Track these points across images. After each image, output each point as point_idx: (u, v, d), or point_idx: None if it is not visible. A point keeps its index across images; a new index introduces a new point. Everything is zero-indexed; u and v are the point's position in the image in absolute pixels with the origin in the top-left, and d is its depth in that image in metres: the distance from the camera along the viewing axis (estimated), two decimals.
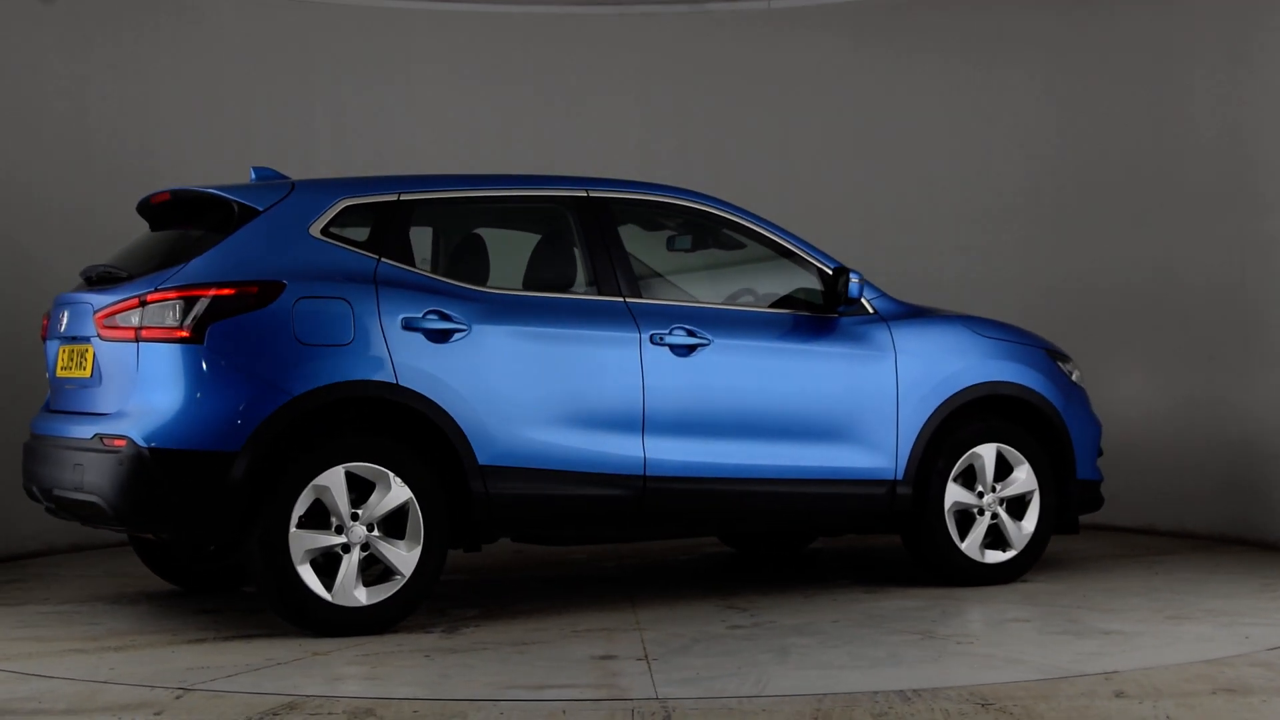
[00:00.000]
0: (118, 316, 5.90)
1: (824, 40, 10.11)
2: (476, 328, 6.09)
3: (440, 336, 6.03)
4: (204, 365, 5.72)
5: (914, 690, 4.83)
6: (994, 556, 7.01)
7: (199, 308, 5.75)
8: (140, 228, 6.80)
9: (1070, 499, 7.25)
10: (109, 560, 8.14)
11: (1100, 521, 8.39)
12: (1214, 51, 9.02)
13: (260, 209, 6.07)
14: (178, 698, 4.84)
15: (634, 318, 6.42)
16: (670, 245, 7.18)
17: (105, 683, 5.07)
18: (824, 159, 10.10)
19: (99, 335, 5.99)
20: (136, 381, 5.83)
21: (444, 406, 5.96)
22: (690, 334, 6.47)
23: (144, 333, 5.80)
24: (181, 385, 5.72)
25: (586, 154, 9.81)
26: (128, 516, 5.81)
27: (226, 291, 5.78)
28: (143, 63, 9.20)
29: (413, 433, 6.03)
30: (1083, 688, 4.88)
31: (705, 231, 7.10)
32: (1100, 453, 7.51)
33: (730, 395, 6.55)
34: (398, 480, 5.89)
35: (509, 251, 6.80)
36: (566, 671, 5.26)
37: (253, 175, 6.53)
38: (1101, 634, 5.86)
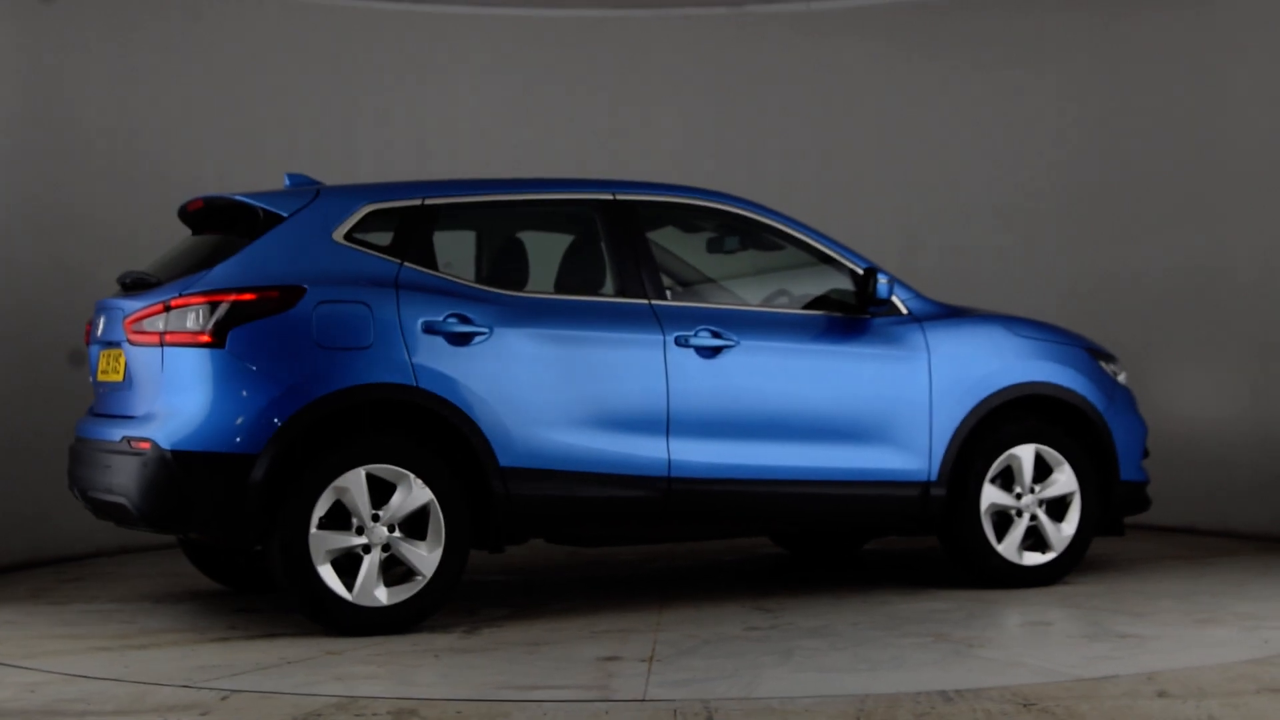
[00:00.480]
0: (144, 322, 6.03)
1: (863, 41, 10.10)
2: (498, 331, 6.15)
3: (461, 339, 6.09)
4: (225, 369, 5.83)
5: (956, 691, 4.82)
6: (1032, 559, 6.95)
7: (220, 312, 5.86)
8: (184, 234, 6.90)
9: (1113, 501, 7.16)
10: (168, 560, 8.26)
11: (1142, 521, 8.31)
12: (1254, 48, 8.98)
13: (285, 215, 6.17)
14: (224, 699, 4.88)
15: (658, 320, 6.44)
16: (711, 248, 7.19)
17: (154, 684, 5.12)
18: (863, 159, 10.09)
19: (128, 340, 6.11)
20: (161, 385, 5.95)
21: (464, 409, 6.03)
22: (715, 335, 6.47)
23: (168, 337, 5.93)
24: (203, 389, 5.84)
25: (625, 157, 9.85)
26: (151, 518, 5.91)
27: (247, 296, 5.89)
28: (184, 70, 9.27)
29: (433, 435, 6.09)
30: (1125, 687, 4.86)
31: (733, 233, 7.12)
32: (1146, 454, 7.42)
33: (757, 397, 6.54)
34: (418, 482, 5.95)
35: (539, 255, 6.84)
36: (565, 672, 5.29)
37: (286, 181, 6.64)
38: (1116, 637, 5.77)
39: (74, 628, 6.35)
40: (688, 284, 7.14)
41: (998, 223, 9.85)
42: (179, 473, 5.77)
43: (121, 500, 5.98)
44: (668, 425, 6.37)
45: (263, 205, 6.25)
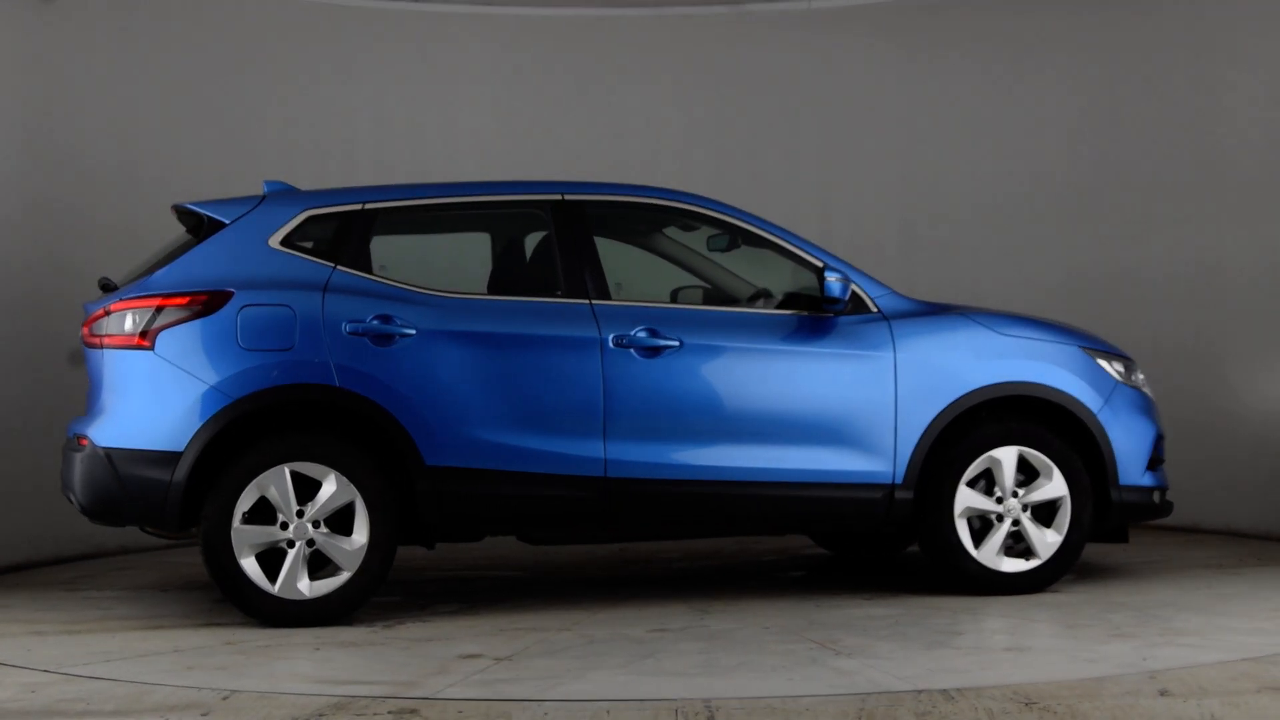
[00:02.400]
0: (94, 324, 6.34)
1: (864, 40, 10.11)
2: (424, 331, 6.27)
3: (384, 340, 6.24)
4: (154, 370, 6.14)
5: (957, 689, 4.81)
6: (1012, 565, 6.70)
7: (151, 316, 6.18)
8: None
9: (1112, 507, 6.84)
10: (167, 559, 8.33)
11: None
12: (1255, 47, 8.98)
13: (227, 221, 6.45)
14: (224, 698, 4.88)
15: (597, 320, 6.42)
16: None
17: (154, 684, 5.12)
18: (863, 157, 10.09)
19: (83, 342, 6.46)
20: (103, 385, 6.27)
21: (387, 408, 6.18)
22: (655, 335, 6.43)
23: (108, 340, 6.25)
24: (135, 389, 6.18)
25: (625, 155, 9.85)
26: (90, 511, 6.26)
27: (175, 301, 6.20)
28: (184, 70, 9.28)
29: (360, 434, 6.24)
30: (1127, 686, 4.86)
31: (692, 232, 7.07)
32: (1159, 459, 7.09)
33: (702, 397, 6.48)
34: (342, 479, 6.14)
35: (487, 257, 6.94)
36: (402, 668, 5.35)
37: (265, 188, 6.77)
38: (1042, 651, 5.60)
39: (74, 627, 6.35)
40: (645, 283, 7.06)
41: (999, 221, 9.84)
42: (111, 469, 6.09)
43: (70, 494, 6.37)
44: (604, 425, 6.36)
45: (208, 212, 6.52)
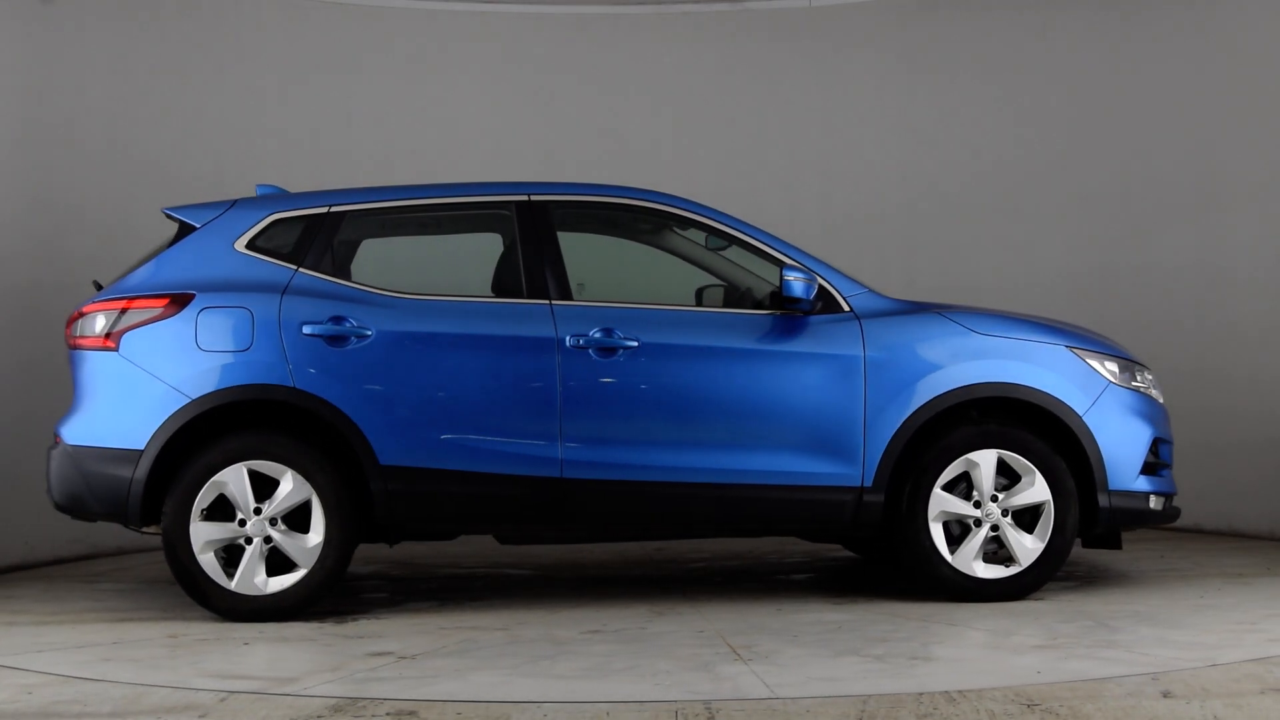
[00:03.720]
0: (72, 326, 6.54)
1: (864, 38, 10.10)
2: (380, 332, 6.37)
3: (339, 341, 6.36)
4: (118, 370, 6.35)
5: (959, 691, 4.79)
6: (989, 571, 6.52)
7: (116, 318, 6.39)
8: None
9: (1101, 512, 6.61)
10: (165, 560, 8.28)
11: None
12: (1256, 46, 8.97)
13: (198, 225, 6.63)
14: (222, 700, 4.86)
15: (555, 321, 6.44)
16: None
17: (151, 685, 5.10)
18: (864, 155, 10.08)
19: (66, 343, 6.63)
20: (77, 385, 6.49)
21: (341, 408, 6.30)
22: (612, 335, 6.42)
23: (80, 341, 6.47)
24: (101, 388, 6.40)
25: (624, 153, 9.84)
26: (61, 505, 6.48)
27: (140, 303, 6.42)
28: (183, 69, 9.28)
29: (317, 433, 6.38)
30: (1130, 688, 4.84)
31: (660, 231, 7.05)
32: (1163, 464, 6.85)
33: (659, 397, 6.44)
34: (298, 478, 6.29)
35: (462, 258, 7.04)
36: (310, 663, 5.48)
37: (257, 191, 6.94)
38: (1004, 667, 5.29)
39: (72, 628, 6.36)
40: (613, 284, 7.06)
41: (999, 220, 9.83)
42: (77, 465, 6.33)
43: (48, 489, 6.53)
44: (560, 426, 6.38)
45: (182, 216, 6.70)
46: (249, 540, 6.30)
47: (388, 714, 4.64)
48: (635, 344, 6.44)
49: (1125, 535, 7.32)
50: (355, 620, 6.39)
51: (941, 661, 5.37)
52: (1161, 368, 8.41)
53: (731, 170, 10.09)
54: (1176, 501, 7.04)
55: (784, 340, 6.53)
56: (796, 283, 6.43)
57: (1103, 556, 7.99)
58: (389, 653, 5.61)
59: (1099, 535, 6.82)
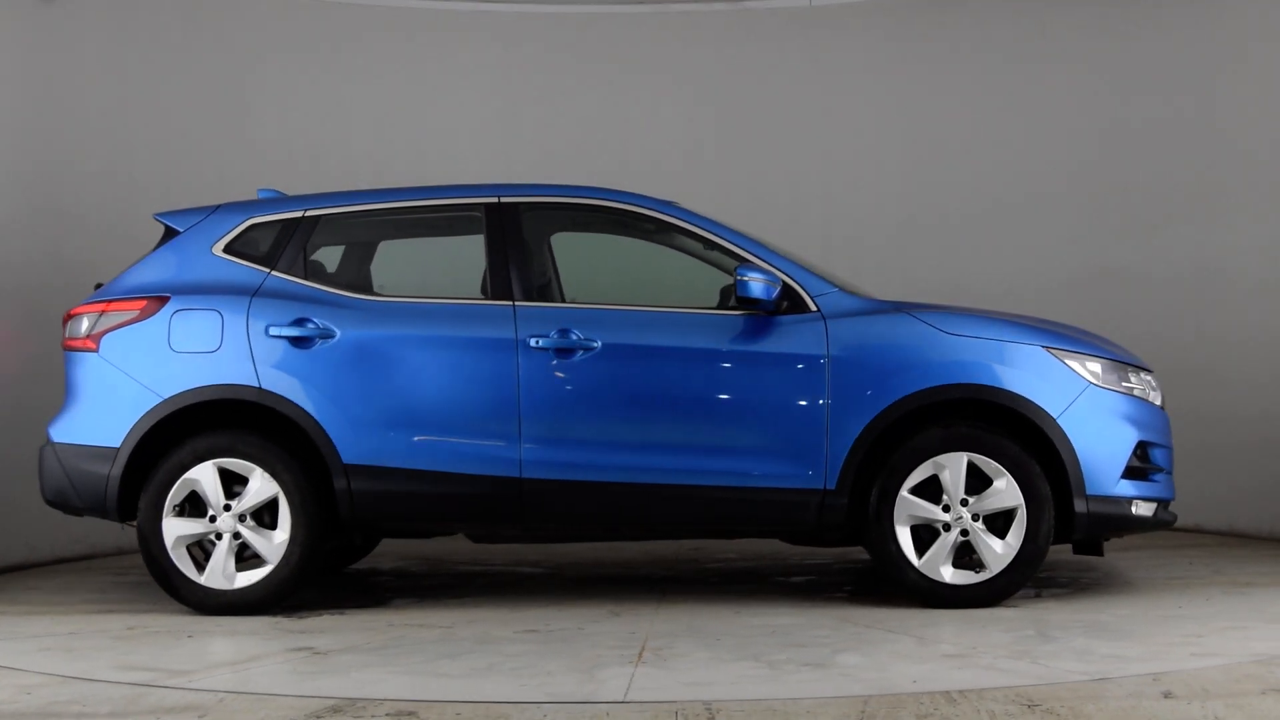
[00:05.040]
0: (64, 328, 6.81)
1: (864, 37, 10.10)
2: (344, 334, 6.52)
3: (303, 342, 6.53)
4: (98, 371, 6.61)
5: (959, 692, 4.79)
6: (956, 576, 6.37)
7: (96, 320, 6.65)
8: None
9: (1079, 517, 6.40)
10: None
11: None
12: (1257, 46, 8.97)
13: (181, 230, 6.86)
14: (221, 700, 4.86)
15: (516, 322, 6.49)
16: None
17: (150, 685, 5.10)
18: (864, 155, 10.08)
19: (62, 344, 6.87)
20: (67, 384, 6.75)
21: (306, 408, 6.47)
22: (569, 336, 6.45)
23: (69, 342, 6.74)
24: (83, 388, 6.66)
25: (624, 153, 9.83)
26: (49, 500, 6.75)
27: (118, 306, 6.67)
28: (183, 70, 9.27)
29: (283, 432, 6.55)
30: (1130, 688, 4.83)
31: (629, 232, 7.04)
32: (1152, 466, 6.60)
33: (617, 397, 6.46)
34: (265, 475, 6.46)
35: (437, 260, 7.15)
36: (211, 658, 5.64)
37: (259, 196, 7.09)
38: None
39: (71, 628, 6.35)
40: (580, 285, 7.14)
41: (1000, 220, 9.83)
42: (62, 462, 6.61)
43: (40, 486, 6.78)
44: (519, 426, 6.43)
45: (168, 221, 6.93)
46: (219, 536, 6.49)
47: (387, 714, 4.63)
48: (596, 345, 6.47)
49: (1137, 540, 7.18)
50: (316, 615, 6.53)
51: (834, 669, 5.20)
52: (1162, 369, 8.41)
53: (732, 170, 10.09)
54: (1177, 506, 6.89)
55: (746, 340, 6.48)
56: (754, 283, 6.36)
57: (1121, 562, 7.89)
58: (307, 648, 5.71)
59: (1085, 541, 6.63)
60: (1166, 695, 4.73)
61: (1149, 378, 6.81)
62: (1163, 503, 6.68)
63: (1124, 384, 6.61)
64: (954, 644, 5.63)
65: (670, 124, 10.23)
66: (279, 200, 6.96)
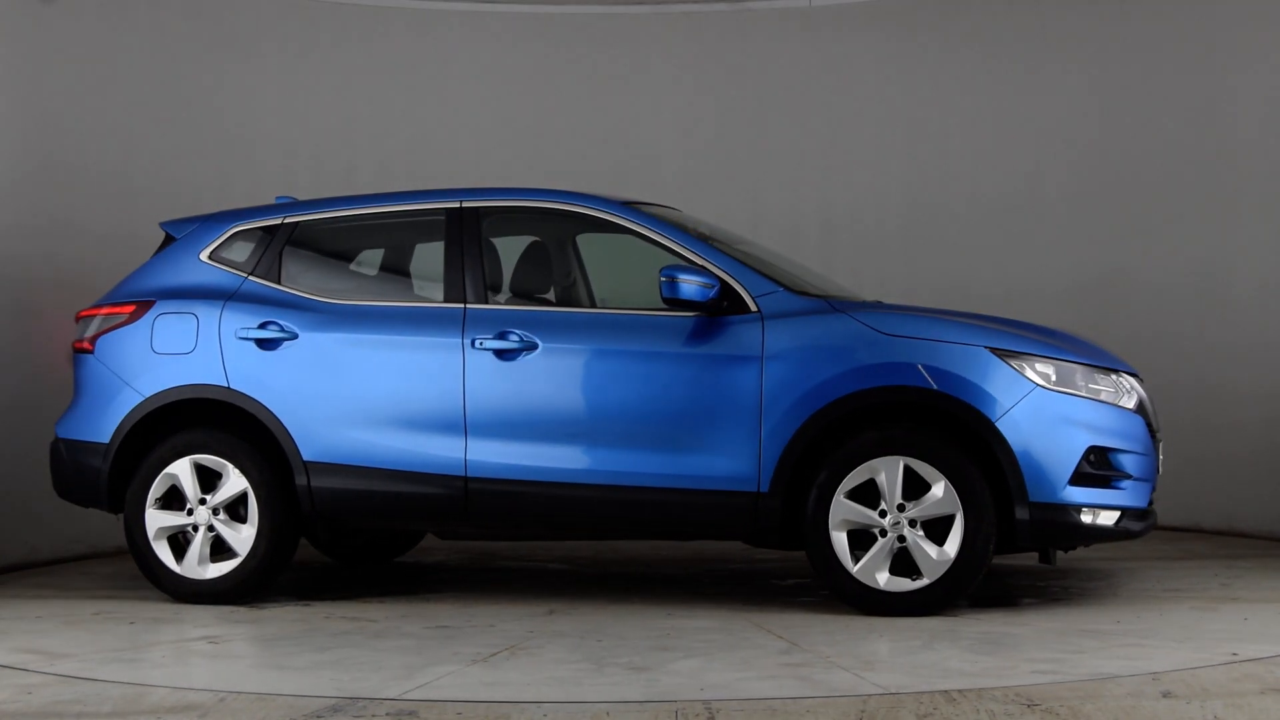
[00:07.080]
0: (75, 329, 7.26)
1: (864, 37, 10.10)
2: (305, 336, 6.82)
3: (269, 344, 6.85)
4: (94, 371, 7.07)
5: (959, 691, 4.79)
6: (892, 584, 6.18)
7: (94, 323, 7.13)
8: None
9: (1019, 524, 6.16)
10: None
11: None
12: (1257, 46, 8.97)
13: (177, 237, 7.24)
14: (221, 700, 4.86)
15: (465, 324, 6.65)
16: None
17: (150, 685, 5.10)
18: (866, 155, 10.08)
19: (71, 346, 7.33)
20: (74, 384, 7.19)
21: (270, 407, 6.79)
22: (508, 338, 6.55)
23: (76, 343, 7.20)
24: (83, 387, 7.12)
25: (624, 153, 9.83)
26: (57, 491, 7.23)
27: (111, 310, 7.12)
28: (183, 72, 9.27)
29: (251, 430, 6.87)
30: (1130, 688, 4.83)
31: (587, 232, 7.18)
32: (1115, 473, 6.29)
33: (556, 398, 6.52)
34: (236, 471, 6.81)
35: (423, 265, 7.21)
36: (131, 647, 5.84)
37: (276, 202, 7.36)
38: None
39: (71, 628, 6.35)
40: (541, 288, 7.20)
41: (1000, 220, 9.83)
42: (64, 456, 7.12)
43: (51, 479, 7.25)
44: (465, 426, 6.60)
45: (167, 229, 7.32)
46: (196, 528, 6.85)
47: (387, 714, 4.64)
48: (535, 346, 6.56)
49: (1139, 547, 6.99)
50: (280, 606, 6.80)
51: (674, 675, 5.11)
52: (1163, 369, 8.43)
53: (732, 170, 10.09)
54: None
55: (684, 342, 6.45)
56: (682, 284, 6.32)
57: (1128, 565, 7.79)
58: (213, 636, 6.04)
59: (1028, 549, 6.37)
60: (1166, 695, 4.73)
61: (1126, 380, 6.52)
62: (1131, 511, 6.35)
63: (1084, 386, 6.33)
64: (808, 654, 5.44)
65: (670, 124, 10.23)
66: (265, 208, 7.24)
